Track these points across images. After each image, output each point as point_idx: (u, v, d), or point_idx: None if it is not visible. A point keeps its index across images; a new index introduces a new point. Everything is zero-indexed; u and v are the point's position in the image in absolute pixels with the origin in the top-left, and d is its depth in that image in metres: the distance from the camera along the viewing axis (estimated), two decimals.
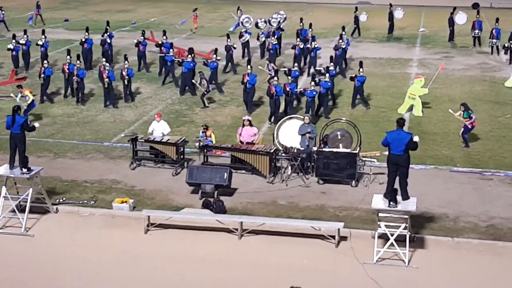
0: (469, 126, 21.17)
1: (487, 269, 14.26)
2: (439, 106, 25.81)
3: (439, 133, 22.85)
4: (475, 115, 21.45)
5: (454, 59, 34.48)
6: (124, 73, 25.63)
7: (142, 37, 30.92)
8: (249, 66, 25.07)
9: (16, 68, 29.91)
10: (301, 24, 35.93)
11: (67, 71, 26.14)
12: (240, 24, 35.54)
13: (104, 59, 27.26)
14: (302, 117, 19.82)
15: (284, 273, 13.98)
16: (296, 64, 27.28)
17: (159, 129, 20.17)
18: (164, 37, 30.32)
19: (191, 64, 26.82)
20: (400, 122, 15.05)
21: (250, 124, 20.00)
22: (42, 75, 25.94)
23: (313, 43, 30.86)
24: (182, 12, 51.85)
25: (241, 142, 19.69)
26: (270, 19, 35.76)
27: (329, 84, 24.18)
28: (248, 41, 33.40)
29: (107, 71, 25.23)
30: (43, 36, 31.75)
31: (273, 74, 24.77)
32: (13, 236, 15.52)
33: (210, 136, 20.20)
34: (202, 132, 20.19)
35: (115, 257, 14.67)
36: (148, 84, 28.89)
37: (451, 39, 39.42)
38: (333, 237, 15.21)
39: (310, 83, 23.69)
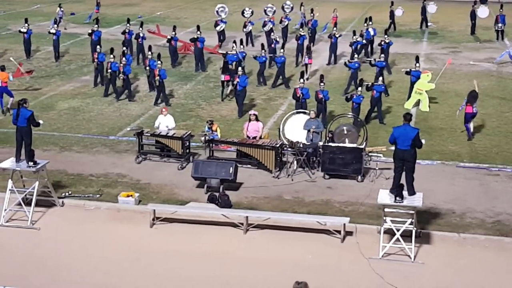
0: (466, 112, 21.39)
1: (493, 265, 14.21)
2: (446, 101, 25.75)
3: (446, 128, 22.78)
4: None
5: (461, 54, 34.36)
6: (156, 73, 24.74)
7: (173, 33, 30.68)
8: (240, 68, 24.24)
9: None
10: (312, 14, 36.13)
11: (109, 69, 25.64)
12: (215, 13, 35.75)
13: (150, 53, 26.71)
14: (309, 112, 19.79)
15: (289, 268, 13.95)
16: (356, 56, 27.26)
17: (165, 123, 20.16)
18: (198, 32, 30.05)
19: (235, 57, 27.06)
20: (407, 117, 15.03)
21: (257, 119, 19.96)
22: (109, 70, 25.61)
23: (354, 36, 30.72)
24: (187, 6, 51.85)
25: (248, 137, 19.66)
26: (266, 8, 36.33)
27: (382, 87, 23.10)
28: (223, 30, 34.03)
29: (158, 69, 24.56)
30: (55, 25, 32.26)
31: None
32: (19, 229, 15.54)
33: (216, 131, 20.17)
34: (208, 127, 20.16)
35: (120, 251, 14.67)
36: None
37: (473, 33, 39.58)
38: (339, 232, 15.18)
39: (357, 88, 22.42)
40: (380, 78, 23.35)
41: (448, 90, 27.31)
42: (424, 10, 41.62)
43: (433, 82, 24.86)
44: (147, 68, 26.01)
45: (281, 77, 27.69)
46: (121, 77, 25.25)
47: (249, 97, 26.19)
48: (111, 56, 25.76)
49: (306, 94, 22.10)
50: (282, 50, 28.08)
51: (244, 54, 27.61)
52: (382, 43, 30.10)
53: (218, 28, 34.20)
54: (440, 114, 24.12)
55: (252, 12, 36.22)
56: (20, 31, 32.12)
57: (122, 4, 52.20)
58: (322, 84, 22.25)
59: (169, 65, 30.30)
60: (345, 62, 26.79)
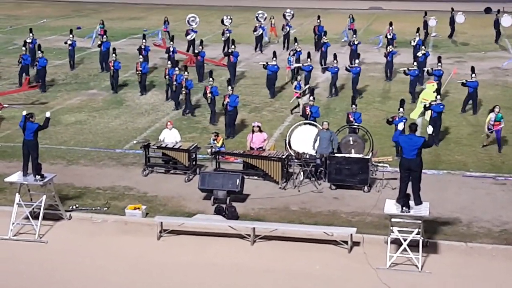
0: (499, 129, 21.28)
1: (500, 274, 14.20)
2: (452, 111, 25.75)
3: (452, 138, 22.79)
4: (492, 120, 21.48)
5: (466, 64, 34.33)
6: (208, 90, 24.08)
7: (200, 47, 30.80)
8: (229, 87, 23.11)
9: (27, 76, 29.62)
10: (318, 21, 37.04)
11: (174, 82, 25.88)
12: (186, 23, 37.22)
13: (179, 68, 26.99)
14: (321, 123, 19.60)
15: (296, 278, 13.97)
16: (415, 64, 27.71)
17: (170, 137, 20.17)
18: (233, 46, 30.24)
19: (275, 67, 27.70)
20: (412, 127, 15.06)
21: (260, 130, 19.98)
22: (175, 82, 25.81)
23: (388, 47, 30.95)
24: None
25: (251, 148, 19.69)
26: (257, 15, 37.88)
27: (441, 107, 21.57)
28: (194, 39, 35.44)
29: (210, 87, 24.10)
30: (71, 35, 33.05)
31: (304, 90, 24.46)
32: (27, 243, 15.60)
33: (220, 143, 20.16)
34: (213, 139, 20.22)
35: (128, 264, 14.71)
36: (160, 91, 28.97)
37: (497, 41, 40.18)
38: (346, 242, 15.19)
39: (399, 109, 20.75)
40: (439, 97, 21.96)
41: (454, 100, 27.33)
42: (452, 20, 41.79)
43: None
44: (172, 81, 26.07)
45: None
46: (184, 91, 25.25)
47: (255, 108, 26.31)
48: (176, 68, 26.18)
49: (315, 112, 21.32)
50: (274, 59, 28.30)
51: (311, 68, 28.06)
52: (419, 54, 30.10)
53: (188, 37, 35.72)
54: (446, 123, 24.06)
55: (231, 19, 37.95)
56: (25, 42, 32.50)
57: (128, 18, 52.53)
58: (354, 106, 21.21)
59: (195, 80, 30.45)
60: (404, 71, 26.97)
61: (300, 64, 28.95)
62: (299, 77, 25.51)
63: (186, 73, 25.59)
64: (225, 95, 23.05)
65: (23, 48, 30.85)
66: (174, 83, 25.83)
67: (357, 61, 27.84)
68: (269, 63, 28.02)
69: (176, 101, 26.32)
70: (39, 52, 29.33)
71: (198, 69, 30.39)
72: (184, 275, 14.22)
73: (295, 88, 25.03)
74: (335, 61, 27.87)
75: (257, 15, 39.02)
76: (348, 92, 27.43)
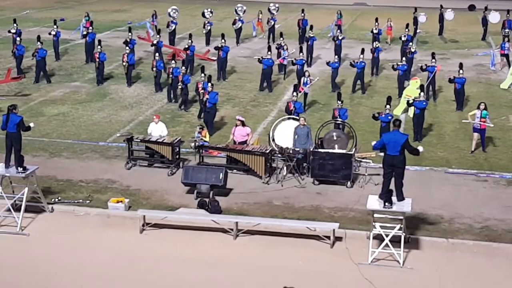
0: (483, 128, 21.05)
1: (481, 270, 14.31)
2: (435, 107, 25.88)
3: (435, 134, 22.91)
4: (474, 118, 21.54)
5: (449, 61, 34.54)
6: (200, 86, 23.99)
7: (190, 41, 30.55)
8: (209, 84, 22.71)
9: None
10: (302, 14, 37.20)
11: (170, 75, 25.65)
12: (167, 15, 37.61)
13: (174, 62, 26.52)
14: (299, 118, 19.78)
15: (279, 273, 13.99)
16: (404, 59, 27.93)
17: (157, 131, 20.10)
18: (223, 41, 29.92)
19: (270, 61, 27.92)
20: (396, 123, 15.14)
21: (243, 124, 19.97)
22: (171, 76, 25.51)
23: (374, 43, 31.00)
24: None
25: (234, 142, 19.68)
26: (236, 8, 38.44)
27: (424, 104, 21.73)
28: (174, 30, 36.10)
29: (202, 83, 23.86)
30: (55, 26, 33.03)
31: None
32: (8, 235, 15.51)
33: (205, 137, 20.15)
34: (198, 132, 20.20)
35: (110, 257, 14.67)
36: (143, 84, 28.89)
37: (484, 38, 40.34)
38: (328, 237, 15.24)
39: (385, 106, 20.87)
40: (422, 94, 22.16)
41: (437, 97, 27.46)
42: (441, 17, 41.97)
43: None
44: (168, 74, 26.02)
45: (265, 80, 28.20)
46: (180, 86, 25.03)
47: (239, 103, 26.30)
48: (173, 62, 26.03)
49: (298, 108, 21.48)
50: (269, 53, 28.36)
51: (303, 62, 27.99)
52: (407, 52, 30.08)
53: (168, 28, 36.04)
54: (428, 120, 24.20)
55: (211, 12, 38.36)
56: (9, 32, 32.36)
57: (112, 11, 52.25)
58: (339, 102, 21.31)
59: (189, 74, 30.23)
60: (393, 66, 27.05)
61: (292, 59, 28.86)
62: (307, 73, 25.25)
63: (183, 67, 25.56)
64: (204, 91, 22.84)
65: (18, 39, 30.63)
66: (170, 76, 25.65)
67: (361, 56, 27.71)
68: (263, 57, 28.09)
69: (174, 94, 26.14)
70: (39, 43, 29.12)
71: (187, 63, 30.32)
72: (167, 269, 14.20)
73: (303, 85, 24.81)
74: (336, 56, 28.05)
75: (236, 8, 39.36)
76: (343, 89, 27.42)
